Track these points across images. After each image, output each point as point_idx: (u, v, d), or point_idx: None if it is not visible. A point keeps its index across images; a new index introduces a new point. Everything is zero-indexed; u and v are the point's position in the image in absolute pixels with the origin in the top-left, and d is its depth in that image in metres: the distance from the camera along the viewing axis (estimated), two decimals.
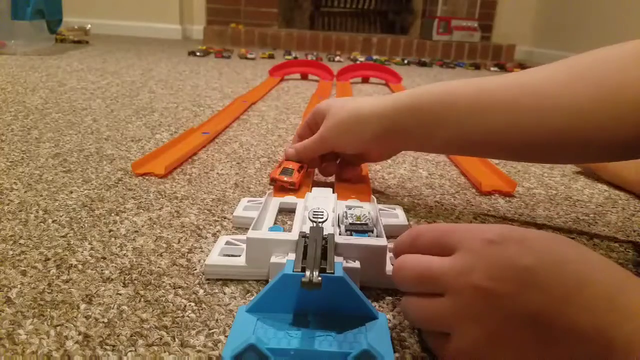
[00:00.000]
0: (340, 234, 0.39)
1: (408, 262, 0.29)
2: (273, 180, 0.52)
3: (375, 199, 0.46)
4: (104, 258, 0.38)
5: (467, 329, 0.25)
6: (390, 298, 0.35)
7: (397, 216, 0.47)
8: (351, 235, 0.38)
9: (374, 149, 0.51)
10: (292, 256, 0.33)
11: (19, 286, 0.34)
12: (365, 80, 1.53)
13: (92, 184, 0.53)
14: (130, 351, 0.28)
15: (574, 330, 0.22)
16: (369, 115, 0.48)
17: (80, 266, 0.37)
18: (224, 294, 0.34)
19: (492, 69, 2.22)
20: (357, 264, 0.35)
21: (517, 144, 0.42)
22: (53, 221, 0.44)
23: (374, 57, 2.36)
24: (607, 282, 0.23)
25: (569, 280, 0.23)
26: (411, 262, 0.29)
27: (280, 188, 0.52)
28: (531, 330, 0.23)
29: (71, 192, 0.51)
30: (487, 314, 0.24)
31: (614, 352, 0.21)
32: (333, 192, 0.49)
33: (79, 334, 0.29)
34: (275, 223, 0.45)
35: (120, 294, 0.33)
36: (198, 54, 1.98)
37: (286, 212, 0.48)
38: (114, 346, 0.28)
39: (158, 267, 0.37)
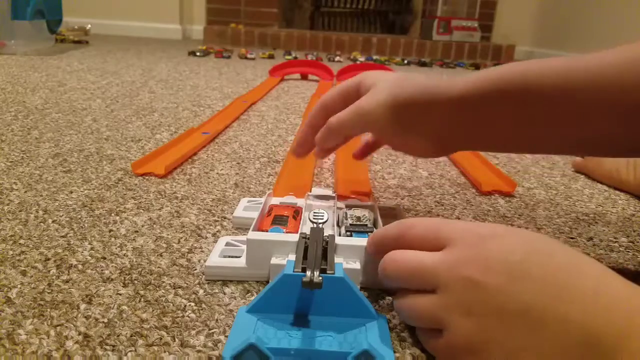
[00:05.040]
0: (340, 235, 0.39)
1: (398, 257, 0.29)
2: None
3: (375, 199, 0.46)
4: (104, 258, 0.38)
5: (459, 323, 0.25)
6: (390, 298, 0.35)
7: (397, 216, 0.47)
8: (351, 236, 0.38)
9: (431, 144, 0.40)
10: (292, 257, 0.33)
11: (19, 286, 0.34)
12: None
13: (92, 184, 0.53)
14: (130, 351, 0.28)
15: (564, 321, 0.22)
16: (438, 99, 0.36)
17: (80, 266, 0.37)
18: (224, 294, 0.34)
19: None
20: (357, 265, 0.35)
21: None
22: (53, 221, 0.44)
23: (374, 57, 2.36)
24: (593, 274, 0.24)
25: (558, 272, 0.24)
26: (402, 257, 0.29)
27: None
28: (522, 322, 0.23)
29: (71, 192, 0.51)
30: (479, 307, 0.25)
31: (602, 340, 0.21)
32: (333, 193, 0.49)
33: (79, 334, 0.29)
34: None
35: (120, 294, 0.33)
36: (198, 54, 1.98)
37: None
38: (114, 346, 0.28)
39: (158, 267, 0.37)
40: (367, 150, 0.50)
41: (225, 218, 0.47)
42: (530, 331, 0.23)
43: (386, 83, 0.39)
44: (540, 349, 0.23)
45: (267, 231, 0.39)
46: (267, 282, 0.36)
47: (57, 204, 0.48)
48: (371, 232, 0.39)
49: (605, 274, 0.24)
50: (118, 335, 0.29)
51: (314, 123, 0.44)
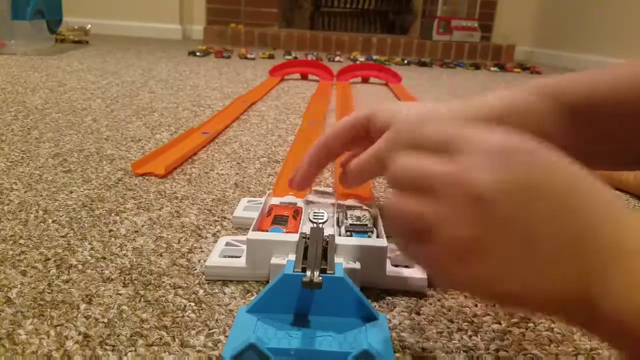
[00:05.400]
0: (340, 235, 0.39)
1: (400, 162, 0.26)
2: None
3: (375, 199, 0.46)
4: (104, 258, 0.38)
5: (451, 232, 0.23)
6: (390, 298, 0.35)
7: None
8: (351, 236, 0.38)
9: None
10: (292, 257, 0.33)
11: (19, 286, 0.34)
12: (365, 80, 1.53)
13: (92, 184, 0.53)
14: (130, 351, 0.28)
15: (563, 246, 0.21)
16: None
17: (80, 266, 0.37)
18: (224, 294, 0.34)
19: (492, 69, 2.22)
20: (357, 265, 0.35)
21: None
22: (53, 221, 0.44)
23: (374, 57, 2.36)
24: (602, 206, 0.22)
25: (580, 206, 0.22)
26: (404, 161, 0.26)
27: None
28: (520, 241, 0.22)
29: (71, 192, 0.51)
30: (479, 221, 0.22)
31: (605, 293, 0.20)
32: (333, 193, 0.49)
33: (79, 334, 0.29)
34: None
35: (120, 294, 0.33)
36: (198, 54, 1.98)
37: None
38: (114, 346, 0.28)
39: (158, 267, 0.37)
40: None
41: (225, 218, 0.47)
42: (531, 250, 0.22)
43: (403, 123, 0.37)
44: (533, 274, 0.21)
45: (267, 231, 0.39)
46: (267, 282, 0.36)
47: (57, 204, 0.48)
48: (371, 232, 0.39)
49: (616, 202, 0.22)
50: (118, 335, 0.29)
51: (315, 160, 0.43)
